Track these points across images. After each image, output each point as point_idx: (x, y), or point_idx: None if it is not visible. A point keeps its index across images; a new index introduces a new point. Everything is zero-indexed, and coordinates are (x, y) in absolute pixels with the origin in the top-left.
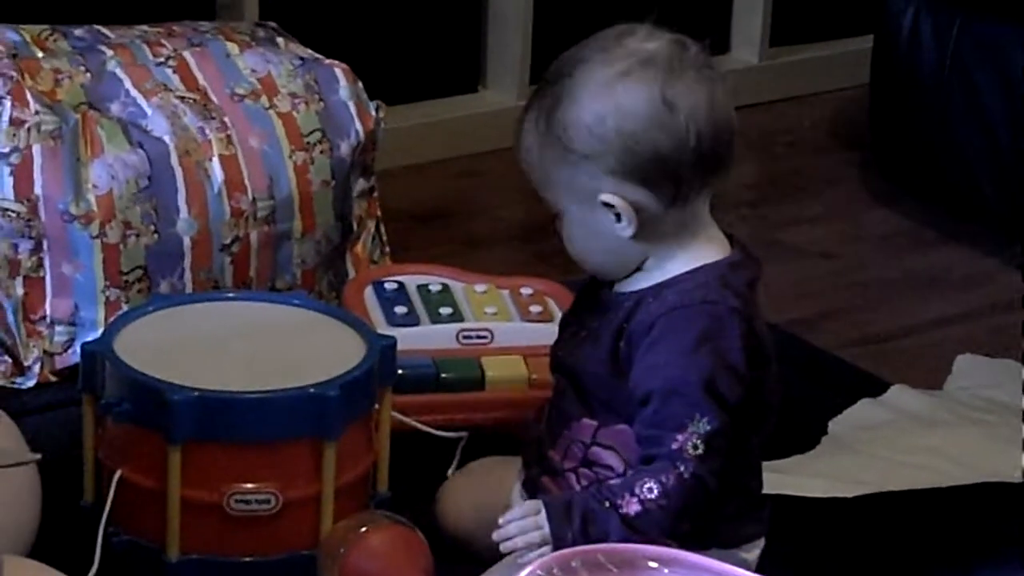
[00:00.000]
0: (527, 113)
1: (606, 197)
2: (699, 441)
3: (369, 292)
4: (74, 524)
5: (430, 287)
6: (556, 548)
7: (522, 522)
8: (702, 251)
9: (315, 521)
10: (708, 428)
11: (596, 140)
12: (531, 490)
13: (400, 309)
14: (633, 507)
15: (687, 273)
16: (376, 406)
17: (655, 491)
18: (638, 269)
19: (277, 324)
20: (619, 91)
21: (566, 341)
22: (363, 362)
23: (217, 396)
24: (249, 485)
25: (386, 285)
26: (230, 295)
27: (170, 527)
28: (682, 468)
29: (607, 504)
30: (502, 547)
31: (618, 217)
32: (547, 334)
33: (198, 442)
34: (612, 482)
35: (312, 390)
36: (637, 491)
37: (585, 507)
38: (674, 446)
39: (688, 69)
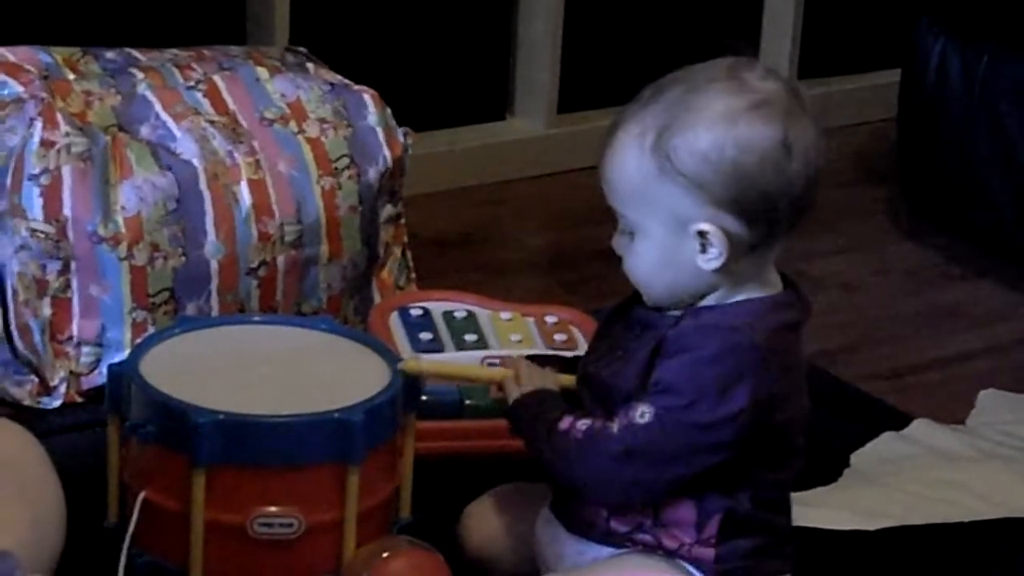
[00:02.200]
0: (627, 126)
1: (704, 226)
2: (649, 410)
3: (394, 318)
4: (98, 545)
5: (455, 314)
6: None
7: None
8: (756, 289)
9: (338, 546)
10: (667, 410)
11: (709, 168)
12: (559, 513)
13: (425, 335)
14: (565, 423)
15: (731, 303)
16: (400, 432)
17: (585, 424)
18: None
19: (303, 348)
20: (741, 125)
21: (598, 357)
22: (387, 388)
23: (242, 420)
24: (272, 508)
25: (412, 311)
26: (256, 319)
27: (193, 550)
28: (621, 422)
29: (560, 412)
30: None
31: (703, 248)
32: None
33: (222, 465)
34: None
35: (337, 415)
36: (579, 418)
37: (550, 401)
38: (631, 406)
39: (803, 115)
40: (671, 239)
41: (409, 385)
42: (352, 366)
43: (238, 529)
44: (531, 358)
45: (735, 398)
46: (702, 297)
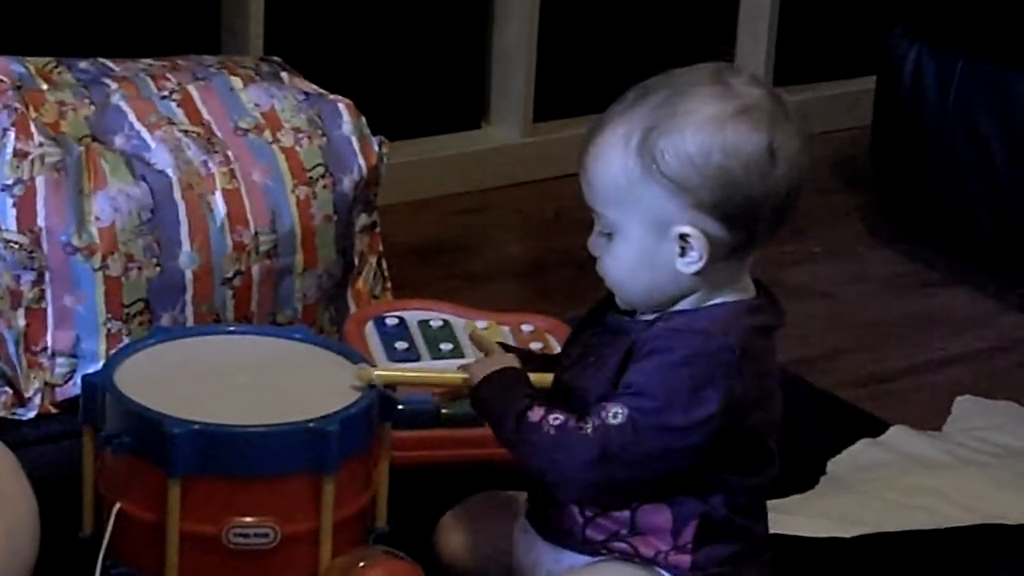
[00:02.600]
0: (612, 126)
1: (685, 229)
2: (622, 411)
3: (370, 327)
4: (72, 557)
5: (431, 323)
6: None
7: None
8: (731, 294)
9: (313, 556)
10: (640, 412)
11: (695, 172)
12: (535, 521)
13: (401, 344)
14: (536, 414)
15: (705, 307)
16: (375, 441)
17: (558, 420)
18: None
19: (279, 358)
20: (729, 129)
21: (571, 364)
22: (363, 398)
23: (217, 430)
24: (248, 519)
25: (387, 320)
26: (232, 328)
27: (169, 560)
28: (594, 421)
29: (527, 398)
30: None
31: (683, 251)
32: None
33: (198, 475)
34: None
35: (312, 425)
36: (549, 408)
37: (516, 381)
38: (603, 407)
39: (787, 122)
40: (651, 241)
41: (384, 395)
42: (327, 376)
43: (213, 540)
44: (508, 350)
45: (707, 401)
46: (678, 300)
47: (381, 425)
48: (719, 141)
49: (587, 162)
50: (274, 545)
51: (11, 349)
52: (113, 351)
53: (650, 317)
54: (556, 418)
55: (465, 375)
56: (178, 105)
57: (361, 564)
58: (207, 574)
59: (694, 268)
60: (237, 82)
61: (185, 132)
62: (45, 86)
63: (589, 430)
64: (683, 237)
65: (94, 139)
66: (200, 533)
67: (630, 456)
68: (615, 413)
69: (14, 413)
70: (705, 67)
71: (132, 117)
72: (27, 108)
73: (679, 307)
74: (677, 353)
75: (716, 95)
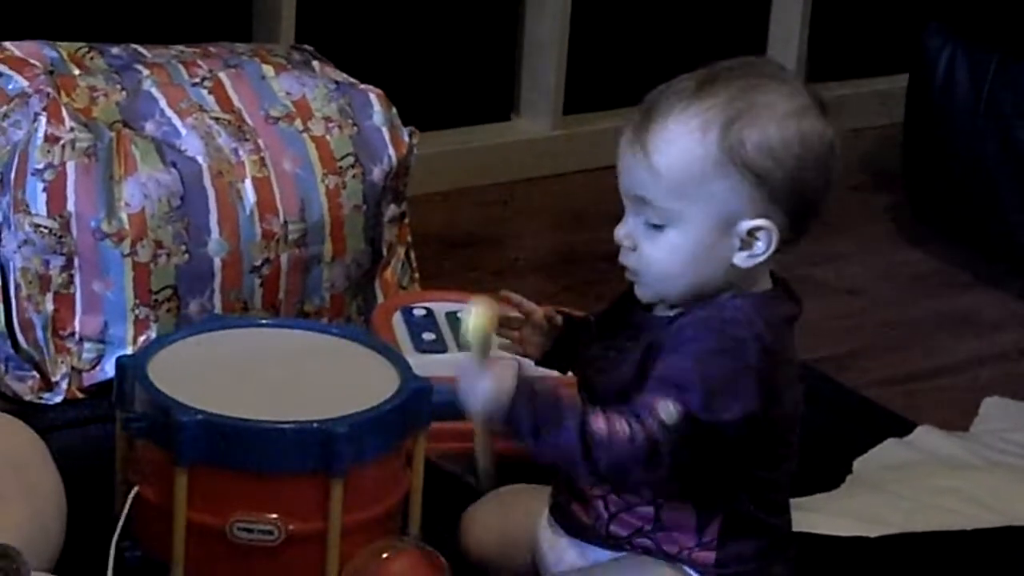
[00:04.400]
0: (680, 116)
1: (759, 222)
2: (675, 411)
3: (397, 318)
4: (99, 539)
5: (458, 314)
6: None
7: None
8: (751, 286)
9: (321, 557)
10: (688, 409)
11: (775, 164)
12: (558, 516)
13: (428, 335)
14: (599, 424)
15: (726, 298)
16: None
17: (624, 427)
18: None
19: (314, 353)
20: (804, 123)
21: (594, 361)
22: (384, 403)
23: (223, 421)
24: (252, 514)
25: (415, 311)
26: (278, 322)
27: (176, 548)
28: (649, 423)
29: (576, 407)
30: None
31: (745, 245)
32: None
33: (205, 465)
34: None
35: (316, 425)
36: (608, 416)
37: (551, 394)
38: (653, 404)
39: (829, 118)
40: (713, 233)
41: (417, 400)
42: (360, 375)
43: (219, 532)
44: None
45: (746, 390)
46: (714, 294)
47: (415, 432)
48: (798, 134)
49: (652, 153)
50: (279, 543)
51: (39, 334)
52: (158, 336)
53: (671, 313)
54: (619, 421)
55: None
56: (209, 92)
57: (384, 555)
58: (212, 565)
59: (756, 260)
60: (269, 70)
61: (216, 119)
62: (77, 71)
63: (645, 429)
64: (752, 231)
65: (125, 125)
66: (206, 524)
67: (682, 452)
68: (668, 411)
69: (41, 398)
70: (760, 61)
71: (163, 103)
72: (59, 93)
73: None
74: (704, 344)
75: (786, 90)
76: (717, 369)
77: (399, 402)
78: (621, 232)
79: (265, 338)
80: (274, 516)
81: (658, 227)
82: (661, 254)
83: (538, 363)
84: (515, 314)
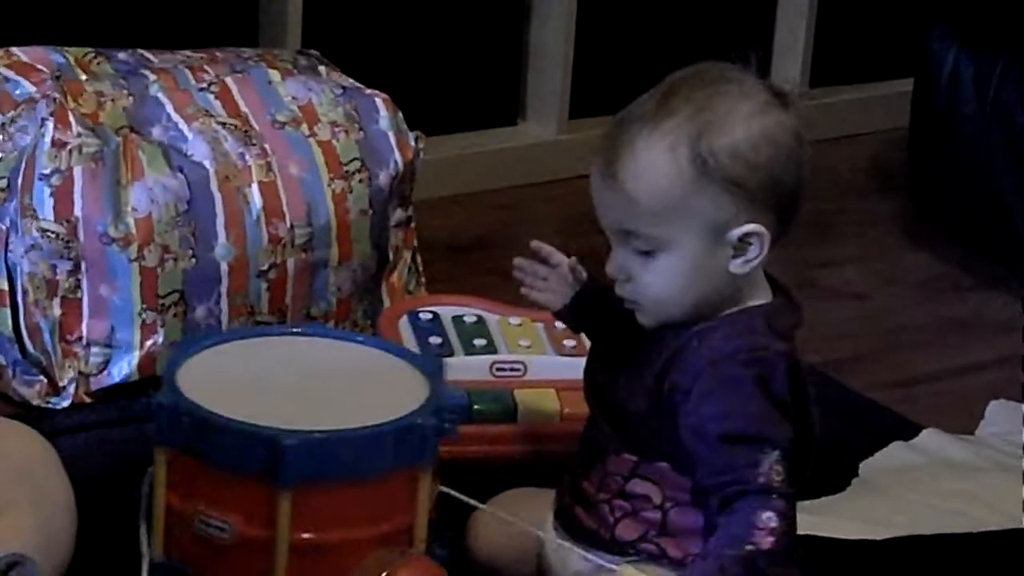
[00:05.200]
0: (645, 142)
1: (749, 227)
2: (779, 467)
3: (404, 322)
4: (108, 545)
5: (465, 318)
6: None
7: None
8: (752, 294)
9: (267, 565)
10: (779, 454)
11: (747, 167)
12: (564, 520)
13: (434, 340)
14: (768, 540)
15: (733, 315)
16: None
17: (775, 519)
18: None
19: (337, 364)
20: (766, 122)
21: (603, 366)
22: (373, 427)
23: (193, 408)
24: (211, 510)
25: (421, 315)
26: (334, 334)
27: (156, 529)
28: (779, 494)
29: (748, 548)
30: None
31: (738, 252)
32: (580, 368)
33: (179, 453)
34: (720, 533)
35: (265, 432)
36: (760, 525)
37: (730, 564)
38: (761, 479)
39: (793, 108)
40: (705, 248)
41: (420, 438)
42: (387, 388)
43: (188, 521)
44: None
45: (784, 407)
46: (719, 307)
47: (415, 469)
48: (763, 134)
49: (626, 183)
50: (230, 543)
51: (46, 338)
52: (177, 344)
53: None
54: (769, 518)
55: None
56: (216, 97)
57: (384, 574)
58: (182, 551)
59: (751, 266)
60: (275, 75)
61: (222, 124)
62: (84, 76)
63: (783, 498)
64: (743, 237)
65: (132, 130)
66: (179, 511)
67: (790, 476)
68: (776, 471)
69: (48, 402)
70: (711, 67)
71: (170, 108)
72: (66, 98)
73: (704, 317)
74: (742, 384)
75: (740, 93)
76: (759, 400)
77: (383, 430)
78: (613, 267)
79: (293, 347)
80: (229, 515)
81: (648, 253)
82: (657, 280)
83: (556, 314)
84: (543, 266)
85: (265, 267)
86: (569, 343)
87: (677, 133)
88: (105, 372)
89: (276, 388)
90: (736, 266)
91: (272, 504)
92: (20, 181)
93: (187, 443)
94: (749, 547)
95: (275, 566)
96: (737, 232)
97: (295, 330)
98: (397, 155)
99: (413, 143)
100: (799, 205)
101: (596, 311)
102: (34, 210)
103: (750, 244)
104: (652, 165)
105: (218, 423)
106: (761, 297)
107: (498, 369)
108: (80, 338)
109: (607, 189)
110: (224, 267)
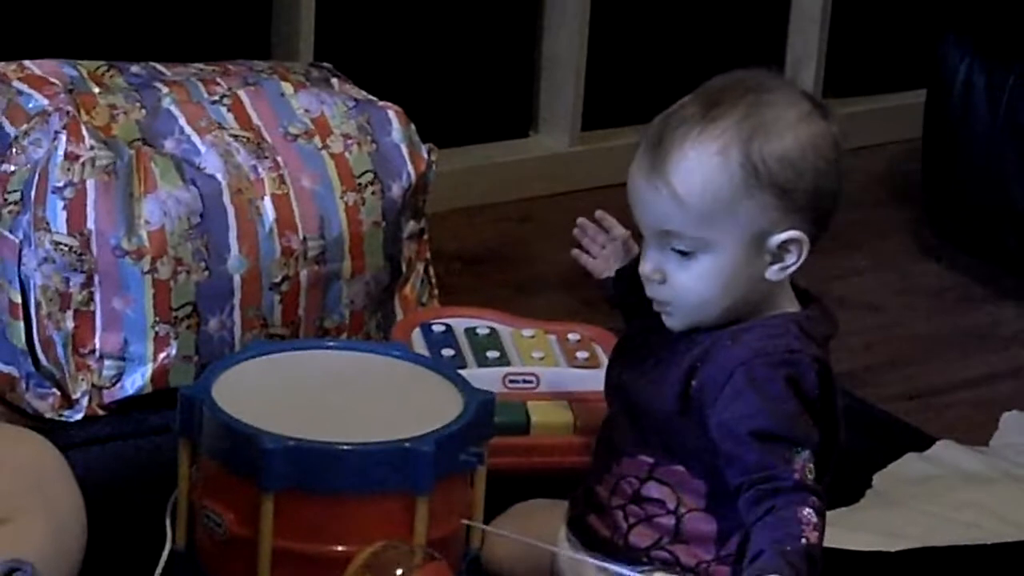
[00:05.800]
0: (695, 144)
1: (791, 234)
2: (810, 465)
3: (417, 334)
4: (120, 557)
5: (477, 330)
6: None
7: None
8: (779, 303)
9: (253, 564)
10: (808, 454)
11: (796, 175)
12: (577, 530)
13: (447, 352)
14: (814, 535)
15: (767, 319)
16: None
17: (814, 516)
18: None
19: (362, 376)
20: (812, 129)
21: (629, 364)
22: (360, 445)
23: (213, 407)
24: (214, 503)
25: (434, 327)
26: (379, 348)
27: (179, 516)
28: (812, 491)
29: (802, 542)
30: None
31: (778, 257)
32: (593, 380)
33: (194, 440)
34: (769, 529)
35: (250, 434)
36: (805, 520)
37: (792, 557)
38: (796, 476)
39: (832, 117)
40: (745, 252)
41: (420, 464)
42: (418, 400)
43: (200, 510)
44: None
45: (816, 410)
46: (751, 313)
47: (412, 496)
48: (809, 140)
49: (675, 183)
50: (225, 538)
51: (59, 351)
52: (240, 351)
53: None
54: (809, 514)
55: None
56: (228, 110)
57: (399, 572)
58: (198, 545)
59: (786, 274)
60: (287, 87)
61: (235, 137)
62: (97, 89)
63: (817, 495)
64: (782, 244)
65: (145, 143)
66: (192, 504)
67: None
68: (809, 470)
69: (61, 415)
70: (752, 74)
71: (183, 121)
72: (79, 111)
73: (745, 323)
74: (774, 384)
75: (785, 101)
76: (791, 401)
77: (470, 418)
78: (648, 268)
79: (323, 361)
80: (223, 511)
81: (687, 255)
82: (695, 282)
83: (599, 283)
84: (603, 234)
85: (278, 279)
86: (582, 355)
87: (728, 137)
88: (118, 385)
89: (315, 400)
90: (772, 272)
91: (254, 506)
92: (33, 194)
93: (198, 436)
94: (803, 540)
95: (259, 568)
96: (778, 238)
97: (376, 348)
98: (410, 167)
99: (426, 155)
100: (835, 214)
101: (635, 289)
102: (47, 223)
103: (788, 251)
104: (702, 167)
105: (218, 419)
106: (788, 307)
107: (511, 381)
108: (93, 351)
109: (653, 190)
110: (237, 280)
